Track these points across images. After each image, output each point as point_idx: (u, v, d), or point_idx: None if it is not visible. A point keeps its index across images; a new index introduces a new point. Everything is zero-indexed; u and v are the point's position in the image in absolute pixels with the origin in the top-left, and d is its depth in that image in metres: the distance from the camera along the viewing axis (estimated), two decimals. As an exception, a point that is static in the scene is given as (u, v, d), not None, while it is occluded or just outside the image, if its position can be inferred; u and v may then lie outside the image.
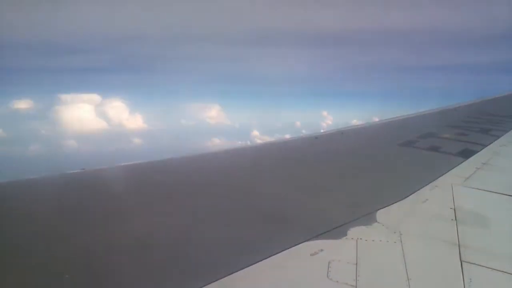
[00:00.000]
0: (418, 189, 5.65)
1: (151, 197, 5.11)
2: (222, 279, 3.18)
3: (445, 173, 6.56)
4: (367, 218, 4.56)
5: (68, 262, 3.40)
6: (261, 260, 3.50)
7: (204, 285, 3.07)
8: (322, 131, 11.51)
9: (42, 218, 4.29)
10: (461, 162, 7.33)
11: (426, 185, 5.88)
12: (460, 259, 3.90)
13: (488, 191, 5.96)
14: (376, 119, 13.33)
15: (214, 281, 3.13)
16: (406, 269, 3.58)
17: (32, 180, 5.60)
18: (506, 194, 5.88)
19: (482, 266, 3.84)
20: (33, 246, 3.62)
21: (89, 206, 4.74)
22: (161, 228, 4.19)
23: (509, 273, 3.79)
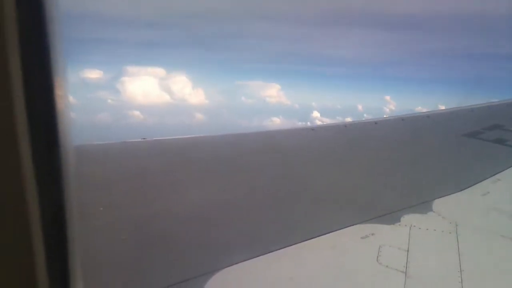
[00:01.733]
0: (480, 182, 5.48)
1: (202, 170, 5.37)
2: (274, 252, 3.30)
3: (510, 167, 6.29)
4: (423, 206, 4.49)
5: (122, 224, 3.67)
6: (313, 238, 3.58)
7: (259, 255, 3.22)
8: (384, 116, 11.29)
9: (99, 181, 4.61)
10: None
11: (488, 177, 5.68)
12: None
13: None
14: (442, 107, 12.85)
15: (265, 254, 3.26)
16: (460, 261, 3.52)
17: (96, 145, 6.00)
18: None
19: None
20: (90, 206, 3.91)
21: (144, 174, 5.05)
22: (214, 200, 4.39)
23: None
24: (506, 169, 6.17)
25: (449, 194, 4.91)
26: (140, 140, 6.33)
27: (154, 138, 6.64)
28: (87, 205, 3.73)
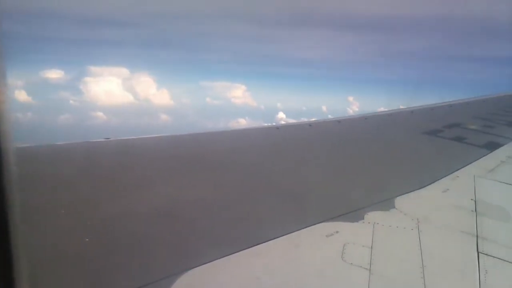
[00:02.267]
0: (440, 179, 5.61)
1: (163, 169, 5.29)
2: (237, 253, 3.27)
3: (469, 164, 6.48)
4: (386, 203, 4.57)
5: (86, 224, 3.54)
6: (277, 237, 3.57)
7: (220, 258, 3.16)
8: (347, 116, 11.46)
9: (62, 181, 4.48)
10: (486, 154, 7.22)
11: (448, 175, 5.83)
12: (477, 250, 3.89)
13: (511, 184, 5.88)
14: (403, 107, 13.14)
15: (229, 255, 3.22)
16: (421, 257, 3.60)
17: (56, 146, 5.82)
18: None
19: (500, 259, 3.82)
20: (51, 206, 3.79)
21: (107, 173, 4.93)
22: (175, 200, 4.32)
23: None
24: (464, 166, 6.35)
25: (411, 191, 5.01)
26: (100, 140, 6.16)
27: (116, 138, 6.49)
28: (37, 207, 3.62)
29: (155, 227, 3.68)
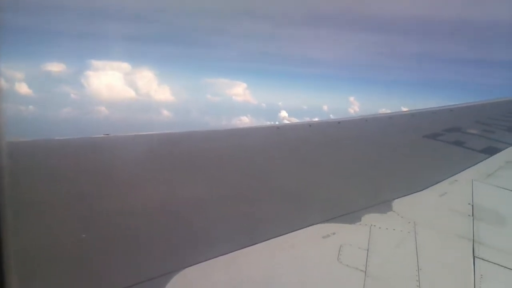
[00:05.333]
0: (438, 182, 5.62)
1: (160, 167, 5.31)
2: (234, 252, 3.27)
3: (467, 168, 6.49)
4: (383, 206, 4.58)
5: (82, 220, 3.56)
6: (273, 238, 3.58)
7: (215, 257, 3.16)
8: (348, 117, 11.48)
9: (59, 176, 4.52)
10: (485, 159, 7.23)
11: (446, 178, 5.84)
12: (473, 254, 3.91)
13: (508, 189, 5.88)
14: (405, 109, 13.17)
15: (224, 254, 3.22)
16: (417, 259, 3.61)
17: (53, 141, 5.84)
18: None
19: (495, 263, 3.84)
20: (48, 201, 3.81)
21: (104, 170, 4.96)
22: (172, 198, 4.32)
23: None
24: (463, 170, 6.36)
25: (409, 194, 5.02)
26: (99, 136, 6.17)
27: (115, 135, 6.50)
28: (31, 202, 3.61)
29: (148, 225, 3.69)
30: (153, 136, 6.94)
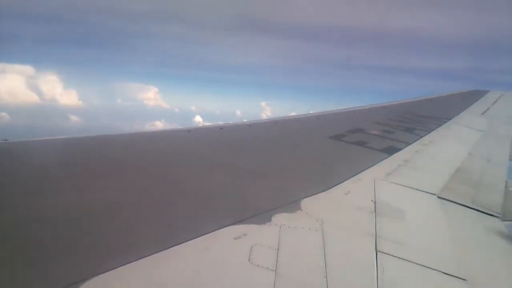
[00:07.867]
0: (343, 181, 5.87)
1: (65, 171, 5.03)
2: (146, 258, 3.19)
3: (369, 167, 6.84)
4: (292, 205, 4.68)
5: None
6: (185, 242, 3.52)
7: (126, 264, 3.06)
8: (259, 120, 11.63)
9: None
10: (385, 158, 7.67)
11: (350, 177, 6.11)
12: (376, 249, 4.12)
13: (407, 186, 6.29)
14: (312, 112, 13.61)
15: (136, 260, 3.13)
16: (325, 256, 3.74)
17: None
18: (422, 191, 6.24)
19: (395, 256, 4.07)
20: None
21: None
22: (80, 204, 4.10)
23: (420, 264, 4.05)
24: (366, 169, 6.69)
25: (316, 194, 5.18)
26: None
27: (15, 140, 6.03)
28: None
29: (53, 233, 3.47)
30: (57, 140, 6.52)
